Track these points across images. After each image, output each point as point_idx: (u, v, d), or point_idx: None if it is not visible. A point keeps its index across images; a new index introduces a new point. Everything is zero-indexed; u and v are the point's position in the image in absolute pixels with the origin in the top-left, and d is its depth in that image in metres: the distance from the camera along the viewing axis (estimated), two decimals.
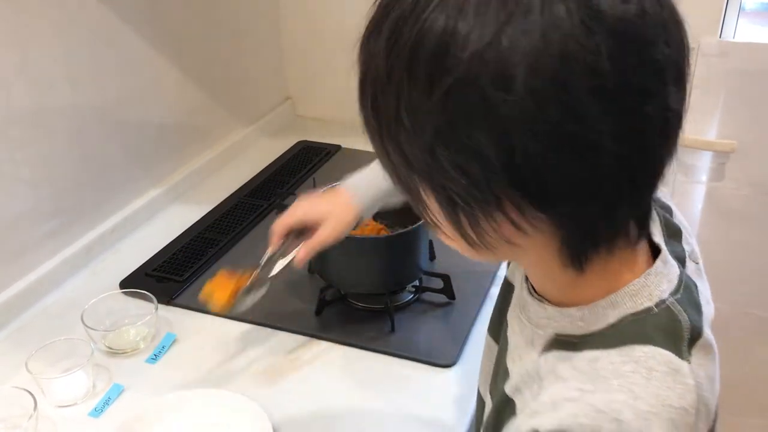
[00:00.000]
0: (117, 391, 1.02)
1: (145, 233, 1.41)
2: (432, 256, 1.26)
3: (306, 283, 1.23)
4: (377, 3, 0.52)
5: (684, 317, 0.56)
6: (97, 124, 1.32)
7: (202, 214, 1.45)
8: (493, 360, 0.74)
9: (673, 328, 0.55)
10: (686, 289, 0.58)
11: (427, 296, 1.19)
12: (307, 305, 1.17)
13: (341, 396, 1.01)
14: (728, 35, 1.55)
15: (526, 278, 0.65)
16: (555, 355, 0.58)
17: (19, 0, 1.11)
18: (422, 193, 0.54)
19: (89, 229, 1.32)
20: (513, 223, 0.51)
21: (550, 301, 0.61)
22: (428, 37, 0.47)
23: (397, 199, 0.98)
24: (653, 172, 0.51)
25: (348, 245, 1.13)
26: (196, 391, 0.99)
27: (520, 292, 0.67)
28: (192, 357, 1.09)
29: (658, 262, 0.58)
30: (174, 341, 1.11)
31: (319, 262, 1.18)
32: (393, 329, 1.11)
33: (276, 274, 1.00)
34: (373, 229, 1.24)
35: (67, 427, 0.97)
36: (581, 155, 0.47)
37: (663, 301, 0.56)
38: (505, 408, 0.64)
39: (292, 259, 0.99)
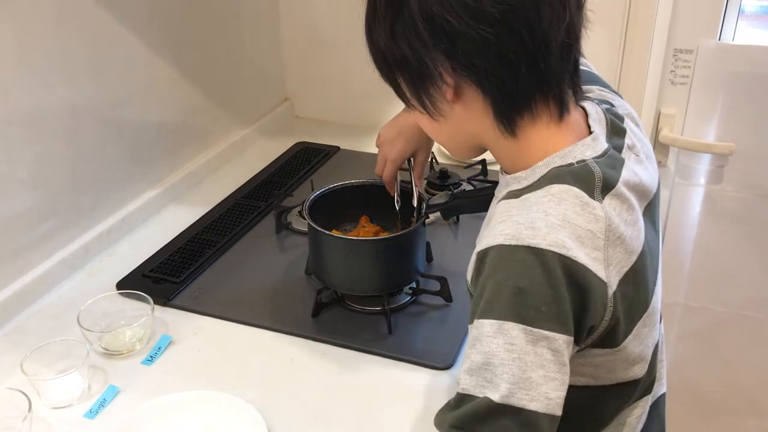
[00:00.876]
0: (112, 392, 1.02)
1: (142, 234, 1.40)
2: (429, 258, 1.25)
3: (303, 285, 1.23)
4: None
5: (597, 170, 0.73)
6: (95, 124, 1.31)
7: (200, 215, 1.45)
8: None
9: (586, 176, 0.73)
10: (610, 158, 0.76)
11: (425, 298, 1.18)
12: (303, 307, 1.16)
13: (337, 398, 1.01)
14: (727, 38, 1.54)
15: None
16: (503, 203, 0.76)
17: (16, 0, 1.10)
18: (399, 80, 0.79)
19: (86, 230, 1.32)
20: (450, 85, 0.74)
21: (507, 173, 0.80)
22: None
23: None
24: (544, 47, 0.71)
25: (345, 247, 1.13)
26: (191, 394, 0.99)
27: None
28: (188, 359, 1.08)
29: (588, 138, 0.77)
30: (170, 343, 1.11)
31: (316, 263, 1.18)
32: (390, 331, 1.11)
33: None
34: (369, 231, 1.24)
35: (62, 429, 0.97)
36: (475, 19, 0.69)
37: (583, 161, 0.74)
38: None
39: (415, 184, 1.15)
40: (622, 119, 0.86)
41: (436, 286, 1.17)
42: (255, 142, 1.78)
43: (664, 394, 0.93)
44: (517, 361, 0.65)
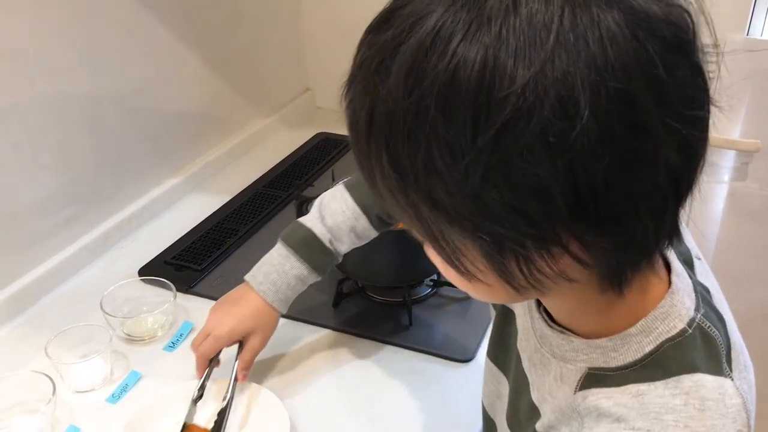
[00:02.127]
0: (134, 378, 1.02)
1: (163, 222, 1.41)
2: None
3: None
4: (373, 35, 0.47)
5: (716, 333, 0.54)
6: (118, 111, 1.32)
7: (221, 204, 1.45)
8: (504, 390, 0.72)
9: (711, 348, 0.53)
10: (704, 301, 0.56)
11: (445, 291, 1.18)
12: (324, 297, 1.16)
13: (357, 388, 1.01)
14: (756, 32, 1.52)
15: (538, 308, 0.62)
16: (594, 393, 0.55)
17: None
18: (457, 242, 0.48)
19: (108, 217, 1.33)
20: (572, 255, 0.46)
21: (573, 332, 0.58)
22: (464, 71, 0.41)
23: (308, 284, 0.99)
24: (694, 178, 0.48)
25: None
26: (213, 381, 0.99)
27: (530, 324, 0.64)
28: None
29: (674, 278, 0.55)
30: (192, 329, 1.11)
31: None
32: (411, 323, 1.11)
33: (230, 396, 0.95)
34: None
35: (84, 413, 0.98)
36: (643, 170, 0.44)
37: (693, 320, 0.54)
38: None
39: (235, 378, 0.96)
40: None
41: None
42: (276, 131, 1.78)
43: None
44: None
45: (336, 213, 0.97)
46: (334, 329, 1.11)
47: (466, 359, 1.04)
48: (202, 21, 1.49)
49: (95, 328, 1.05)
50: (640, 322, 0.53)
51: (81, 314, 1.12)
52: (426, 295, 1.17)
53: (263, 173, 1.58)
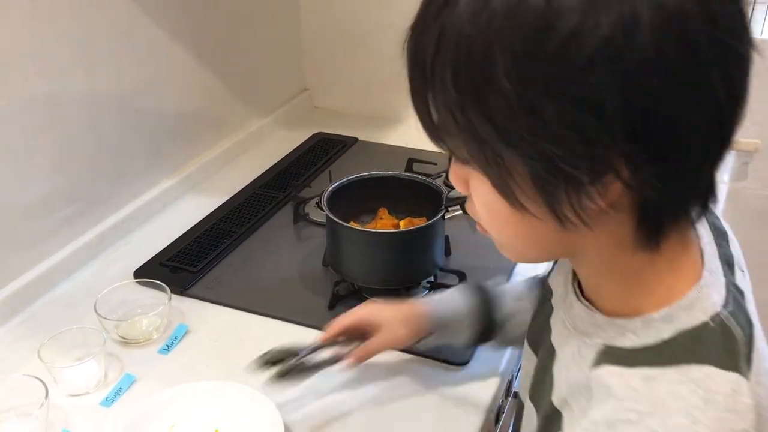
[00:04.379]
0: (129, 381, 1.01)
1: (159, 223, 1.40)
2: (448, 252, 1.24)
3: (320, 277, 1.22)
4: None
5: (738, 331, 0.54)
6: (113, 112, 1.31)
7: (217, 205, 1.44)
8: (533, 366, 0.73)
9: (730, 345, 0.53)
10: (735, 300, 0.56)
11: None
12: (320, 299, 1.16)
13: (353, 391, 1.00)
14: (755, 33, 1.51)
15: (573, 281, 0.64)
16: (607, 370, 0.56)
17: None
18: (509, 166, 0.50)
19: (103, 218, 1.32)
20: (623, 181, 0.48)
21: (599, 309, 0.59)
22: None
23: (459, 339, 0.95)
24: (733, 130, 0.50)
25: (363, 239, 1.12)
26: (207, 384, 0.98)
27: (564, 296, 0.66)
28: (204, 348, 1.08)
29: (705, 272, 0.56)
30: (186, 332, 1.10)
31: (334, 255, 1.17)
32: None
33: (317, 367, 0.95)
34: (387, 224, 1.23)
35: (78, 416, 0.97)
36: (692, 95, 0.46)
37: (717, 315, 0.54)
38: (552, 420, 0.62)
39: (338, 361, 0.95)
40: (714, 215, 0.66)
41: (454, 280, 1.16)
42: (273, 132, 1.77)
43: None
44: None
45: None
46: None
47: (463, 362, 1.03)
48: (198, 20, 1.48)
49: (89, 330, 1.04)
50: (664, 309, 0.54)
51: (75, 317, 1.11)
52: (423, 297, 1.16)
53: (260, 174, 1.57)
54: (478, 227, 0.61)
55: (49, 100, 1.17)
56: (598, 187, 0.48)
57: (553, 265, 0.77)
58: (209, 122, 1.59)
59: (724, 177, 1.62)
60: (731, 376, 0.52)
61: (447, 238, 1.22)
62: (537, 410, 0.68)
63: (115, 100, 1.31)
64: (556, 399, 0.62)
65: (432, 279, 1.17)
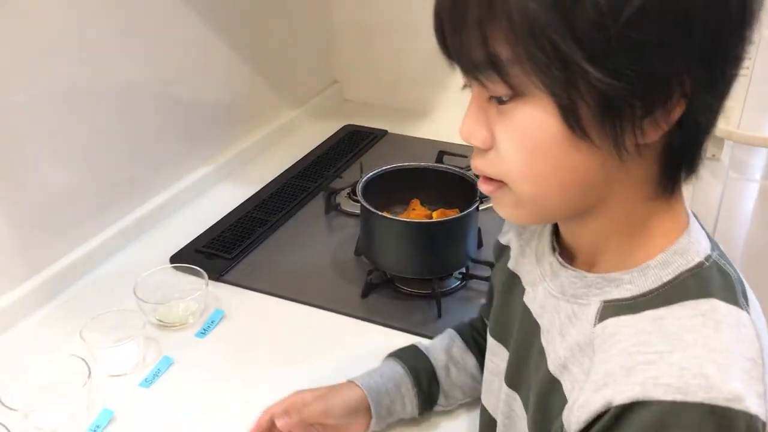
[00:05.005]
0: (167, 363, 1.04)
1: (194, 210, 1.42)
2: (480, 244, 1.25)
3: (352, 266, 1.24)
4: None
5: (731, 270, 0.57)
6: (151, 100, 1.33)
7: (251, 194, 1.46)
8: (500, 362, 0.74)
9: (728, 282, 0.56)
10: (716, 245, 0.59)
11: (474, 284, 1.18)
12: (352, 287, 1.17)
13: None
14: None
15: (553, 252, 0.66)
16: (613, 323, 0.57)
17: None
18: (585, 90, 0.49)
19: (140, 204, 1.34)
20: (688, 98, 0.50)
21: (590, 270, 0.61)
22: None
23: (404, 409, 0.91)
24: (731, 84, 0.53)
25: (397, 229, 1.13)
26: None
27: (541, 273, 0.67)
28: (239, 334, 1.10)
29: (691, 218, 0.59)
30: (222, 317, 1.12)
31: (367, 244, 1.18)
32: (440, 315, 1.11)
33: None
34: (420, 214, 1.24)
35: (117, 397, 0.99)
36: (743, 39, 0.51)
37: (709, 256, 0.57)
38: (549, 391, 0.63)
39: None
40: None
41: (486, 271, 1.17)
42: (304, 123, 1.79)
43: None
44: None
45: None
46: (362, 319, 1.12)
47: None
48: (233, 12, 1.50)
49: (128, 313, 1.06)
50: (659, 256, 0.57)
51: (114, 299, 1.13)
52: (455, 288, 1.18)
53: (292, 164, 1.58)
54: (482, 183, 0.59)
55: (89, 89, 1.19)
56: (664, 110, 0.50)
57: (499, 259, 0.79)
58: (243, 113, 1.61)
59: (755, 175, 1.61)
60: (733, 309, 0.54)
61: (479, 230, 1.23)
62: (522, 392, 0.69)
63: (153, 88, 1.33)
64: (552, 366, 0.63)
65: (464, 270, 1.18)
